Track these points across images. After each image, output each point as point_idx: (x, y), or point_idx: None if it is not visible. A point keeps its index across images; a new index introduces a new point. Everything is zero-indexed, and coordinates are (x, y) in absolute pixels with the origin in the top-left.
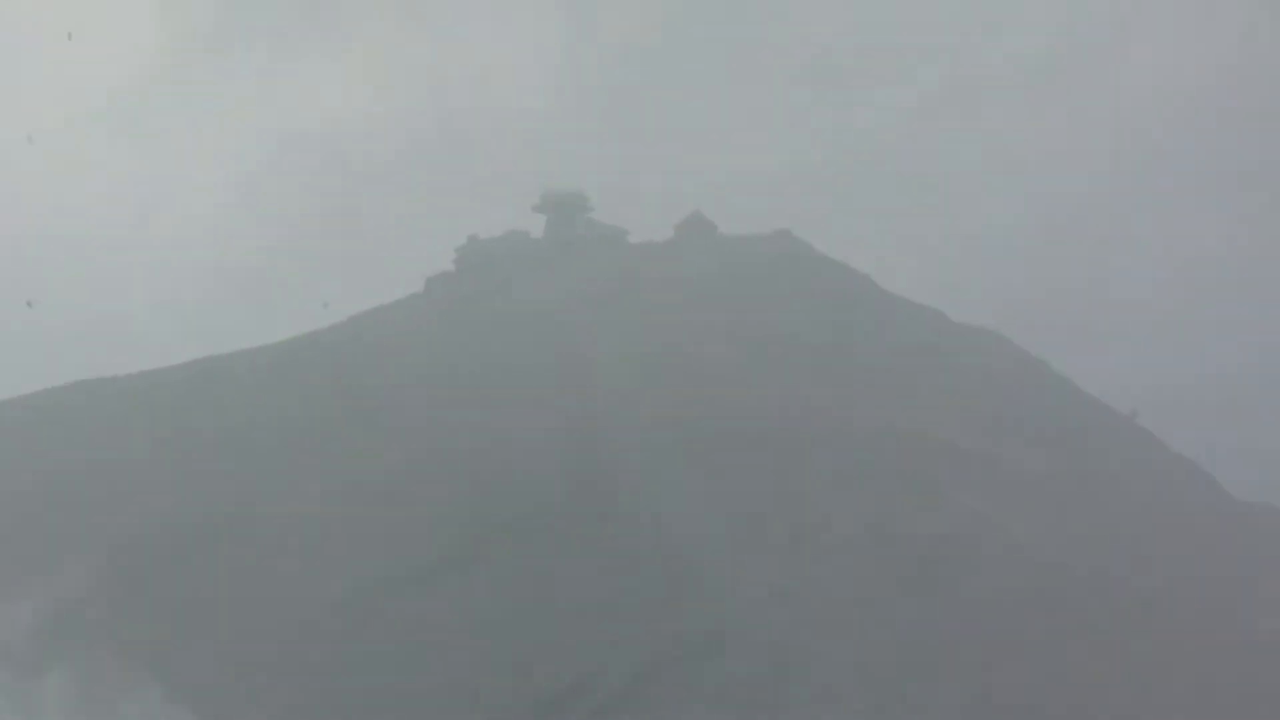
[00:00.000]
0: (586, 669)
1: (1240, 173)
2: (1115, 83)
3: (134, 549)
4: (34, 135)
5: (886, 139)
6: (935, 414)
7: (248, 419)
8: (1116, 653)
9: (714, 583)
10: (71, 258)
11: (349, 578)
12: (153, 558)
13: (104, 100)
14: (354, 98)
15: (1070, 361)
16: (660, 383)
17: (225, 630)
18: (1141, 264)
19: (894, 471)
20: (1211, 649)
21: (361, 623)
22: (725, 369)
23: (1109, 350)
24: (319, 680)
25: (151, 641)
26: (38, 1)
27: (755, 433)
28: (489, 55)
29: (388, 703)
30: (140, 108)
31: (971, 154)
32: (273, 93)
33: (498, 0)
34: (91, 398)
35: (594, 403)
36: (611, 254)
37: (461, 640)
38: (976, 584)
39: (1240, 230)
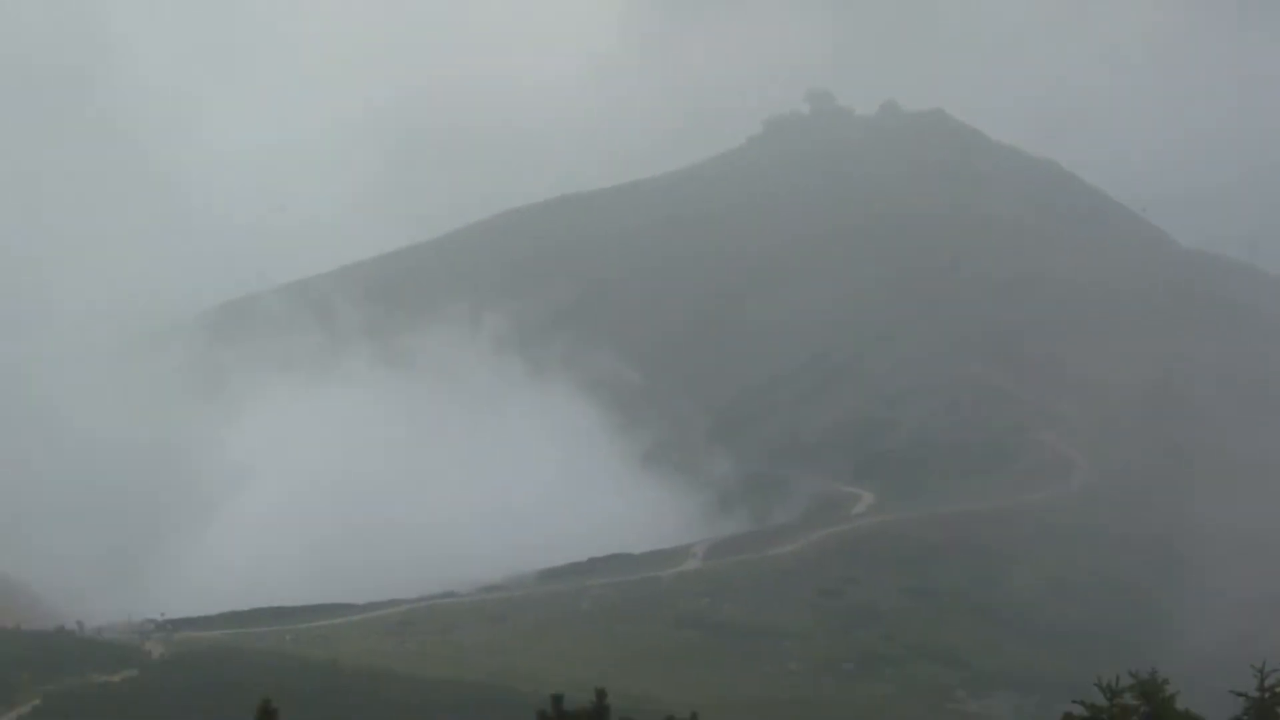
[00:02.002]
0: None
1: None
2: None
3: (590, 284)
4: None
5: None
6: (995, 199)
7: (652, 214)
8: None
9: (864, 286)
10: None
11: (689, 311)
12: (600, 288)
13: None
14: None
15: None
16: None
17: (628, 343)
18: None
19: (971, 237)
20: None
21: (701, 329)
22: (894, 182)
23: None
24: (680, 373)
25: (565, 341)
26: None
27: (915, 223)
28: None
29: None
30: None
31: None
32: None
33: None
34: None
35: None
36: (831, 127)
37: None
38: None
39: None
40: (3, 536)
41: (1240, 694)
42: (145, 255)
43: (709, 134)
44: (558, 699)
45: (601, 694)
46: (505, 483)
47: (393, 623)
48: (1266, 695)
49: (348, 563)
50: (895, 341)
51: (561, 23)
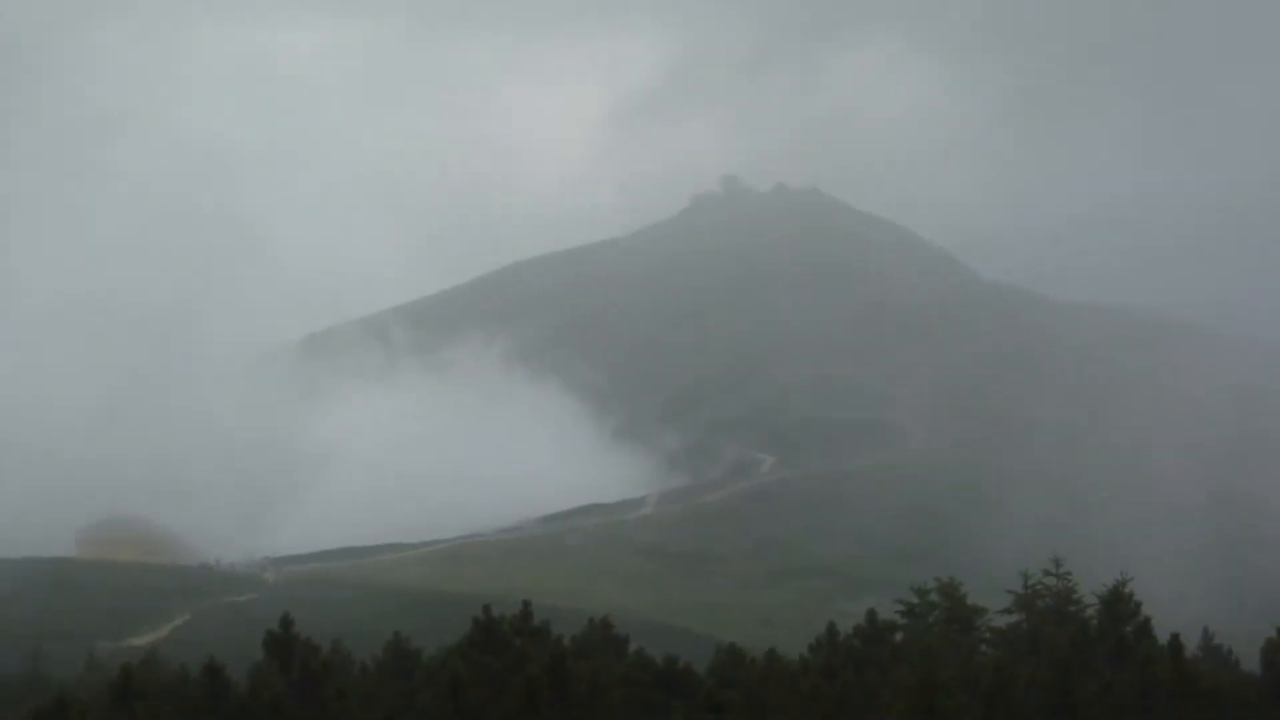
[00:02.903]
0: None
1: None
2: None
3: (571, 313)
4: None
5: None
6: (855, 249)
7: (614, 263)
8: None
9: (765, 312)
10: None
11: (642, 332)
12: (578, 316)
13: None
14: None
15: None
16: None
17: (599, 355)
18: None
19: (839, 277)
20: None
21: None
22: (785, 239)
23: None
24: (637, 376)
25: (554, 354)
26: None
27: (800, 268)
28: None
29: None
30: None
31: None
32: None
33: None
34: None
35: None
36: (738, 201)
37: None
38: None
39: None
40: (162, 500)
41: (1011, 591)
42: (259, 300)
43: (650, 207)
44: (486, 607)
45: (527, 603)
46: (513, 454)
47: (435, 555)
48: (1027, 591)
49: (403, 513)
50: (788, 350)
51: (551, 135)
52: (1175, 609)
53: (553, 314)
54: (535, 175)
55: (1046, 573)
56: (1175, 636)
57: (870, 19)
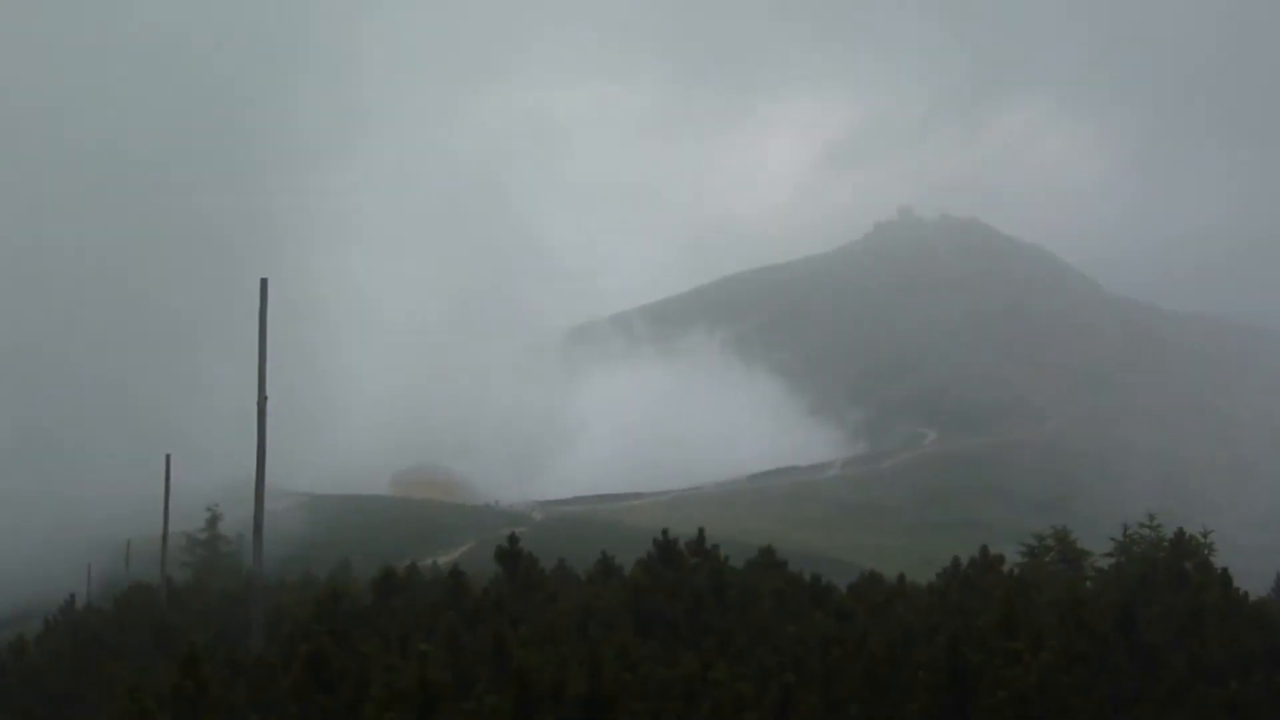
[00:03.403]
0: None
1: None
2: None
3: (777, 313)
4: None
5: None
6: (1002, 265)
7: (812, 272)
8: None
9: (930, 315)
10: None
11: (831, 329)
12: (782, 316)
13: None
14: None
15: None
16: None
17: (798, 347)
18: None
19: (989, 287)
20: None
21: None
22: (947, 257)
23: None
24: (827, 364)
25: (763, 345)
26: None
27: (956, 279)
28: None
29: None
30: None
31: None
32: None
33: None
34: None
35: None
36: (911, 227)
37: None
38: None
39: None
40: (458, 453)
41: (1114, 539)
42: (538, 300)
43: (841, 231)
44: (665, 531)
45: (700, 530)
46: (728, 424)
47: (664, 502)
48: (1126, 539)
49: (641, 468)
50: (947, 345)
51: (767, 173)
52: (1258, 558)
53: (762, 313)
54: (754, 205)
55: (1142, 525)
56: (1225, 570)
57: (1025, 83)
